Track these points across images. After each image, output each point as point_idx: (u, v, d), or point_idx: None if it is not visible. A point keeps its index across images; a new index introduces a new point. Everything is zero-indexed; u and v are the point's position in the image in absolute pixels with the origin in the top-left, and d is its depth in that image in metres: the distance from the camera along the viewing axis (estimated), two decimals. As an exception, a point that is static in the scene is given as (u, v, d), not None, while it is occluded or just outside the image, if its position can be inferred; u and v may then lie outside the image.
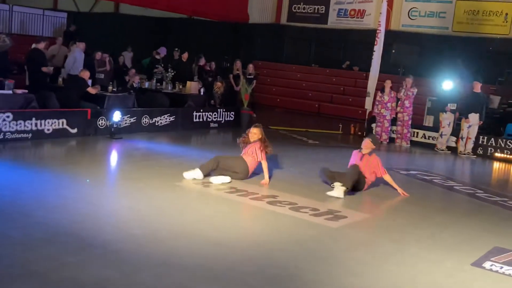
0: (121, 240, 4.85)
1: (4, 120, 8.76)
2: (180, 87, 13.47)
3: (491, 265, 5.10)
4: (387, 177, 7.80)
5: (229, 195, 6.78)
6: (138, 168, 7.89)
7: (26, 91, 10.00)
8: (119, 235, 4.98)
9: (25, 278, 3.93)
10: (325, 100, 19.04)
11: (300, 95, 19.44)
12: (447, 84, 12.82)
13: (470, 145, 12.30)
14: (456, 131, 12.54)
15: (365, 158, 7.69)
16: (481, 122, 12.24)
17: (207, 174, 7.39)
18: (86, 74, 10.78)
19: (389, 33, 15.95)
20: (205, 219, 5.80)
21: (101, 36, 20.22)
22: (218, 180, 7.24)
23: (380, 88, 13.49)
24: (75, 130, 9.84)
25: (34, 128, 9.21)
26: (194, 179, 7.29)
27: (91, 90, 10.69)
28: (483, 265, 5.11)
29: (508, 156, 12.04)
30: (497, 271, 4.98)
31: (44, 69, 11.42)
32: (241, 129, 12.44)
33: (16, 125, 8.94)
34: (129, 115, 10.81)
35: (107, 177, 7.66)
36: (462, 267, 5.03)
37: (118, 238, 4.90)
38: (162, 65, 14.89)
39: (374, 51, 14.12)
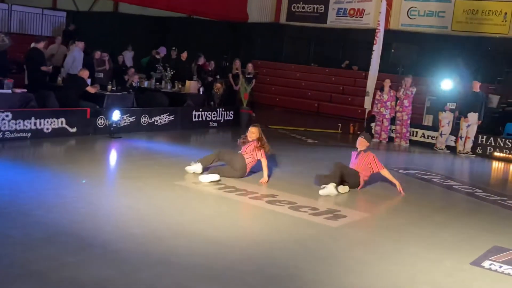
0: (120, 239, 4.85)
1: (3, 119, 8.75)
2: (179, 86, 13.47)
3: (490, 264, 5.11)
4: (384, 172, 7.83)
5: (228, 194, 6.78)
6: (137, 167, 7.88)
7: (25, 90, 9.99)
8: (119, 234, 4.98)
9: (24, 278, 3.93)
10: (325, 99, 19.05)
11: (300, 94, 19.45)
12: (446, 83, 12.83)
13: (469, 145, 12.31)
14: (455, 131, 12.56)
15: (360, 156, 7.79)
16: (480, 121, 12.25)
17: (206, 168, 7.56)
18: (85, 73, 10.77)
19: (388, 33, 15.96)
20: (204, 218, 5.80)
21: (100, 35, 20.20)
22: (206, 178, 7.24)
23: (379, 87, 13.51)
24: (74, 130, 9.84)
25: (33, 127, 9.21)
26: (194, 172, 7.48)
27: (90, 90, 10.69)
28: (483, 264, 5.11)
29: (507, 155, 12.05)
30: (496, 270, 4.99)
31: (43, 68, 11.41)
32: (240, 129, 12.47)
33: (15, 124, 8.93)
34: (128, 115, 10.80)
35: (107, 177, 7.66)
36: (462, 266, 5.03)
37: (117, 237, 4.90)
38: (162, 64, 14.89)
39: (374, 50, 14.14)
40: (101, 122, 10.24)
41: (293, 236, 5.49)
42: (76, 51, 12.50)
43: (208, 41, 20.96)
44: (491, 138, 12.35)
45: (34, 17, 21.20)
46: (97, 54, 13.54)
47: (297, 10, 21.77)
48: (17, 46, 13.27)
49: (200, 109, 12.63)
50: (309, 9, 21.41)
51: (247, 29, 22.16)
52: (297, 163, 9.39)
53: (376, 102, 13.34)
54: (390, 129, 13.30)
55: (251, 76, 14.93)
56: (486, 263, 5.13)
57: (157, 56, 15.81)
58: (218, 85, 13.50)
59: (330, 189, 7.21)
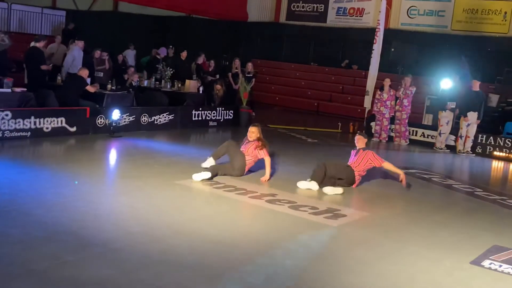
0: (120, 238, 4.85)
1: (3, 118, 8.74)
2: (179, 85, 13.46)
3: (490, 264, 5.11)
4: (386, 165, 7.86)
5: (228, 194, 6.77)
6: (137, 166, 7.88)
7: (25, 89, 9.98)
8: (119, 233, 4.98)
9: (24, 277, 3.93)
10: (324, 98, 19.04)
11: (299, 93, 19.44)
12: (446, 83, 12.83)
13: (469, 144, 12.31)
14: (455, 130, 12.56)
15: (360, 153, 7.82)
16: (479, 121, 12.24)
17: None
18: (85, 73, 10.76)
19: (388, 32, 15.96)
20: (204, 217, 5.80)
21: (100, 35, 20.19)
22: (199, 177, 7.22)
23: (379, 87, 13.50)
24: (74, 129, 9.83)
25: (33, 126, 9.20)
26: (207, 168, 7.55)
27: (90, 89, 10.68)
28: (482, 263, 5.11)
29: (507, 154, 12.05)
30: (496, 270, 4.99)
31: (43, 66, 11.40)
32: (240, 128, 12.47)
33: (15, 123, 8.93)
34: (128, 114, 10.80)
35: (106, 176, 7.65)
36: (461, 266, 5.03)
37: (117, 236, 4.90)
38: (162, 64, 14.87)
39: (373, 49, 14.14)
40: (100, 121, 10.24)
41: (293, 235, 5.49)
42: (76, 50, 12.48)
43: (207, 40, 20.95)
44: (491, 138, 12.35)
45: (34, 16, 21.18)
46: (97, 53, 13.53)
47: (296, 9, 21.77)
48: (17, 45, 13.26)
49: (200, 108, 12.63)
50: (309, 8, 21.41)
51: (247, 28, 22.15)
52: (297, 163, 9.39)
53: (376, 101, 13.34)
54: (389, 128, 13.31)
55: (251, 75, 14.93)
56: (486, 262, 5.13)
57: (158, 56, 15.79)
58: (218, 86, 13.48)
59: (310, 185, 7.35)
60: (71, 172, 7.10)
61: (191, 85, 13.28)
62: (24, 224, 4.98)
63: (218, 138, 12.22)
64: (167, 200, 6.30)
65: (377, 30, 14.19)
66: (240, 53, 19.47)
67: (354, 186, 7.76)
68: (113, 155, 9.12)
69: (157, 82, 13.79)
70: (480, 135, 12.40)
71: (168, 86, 13.43)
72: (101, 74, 13.10)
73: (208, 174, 7.23)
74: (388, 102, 13.11)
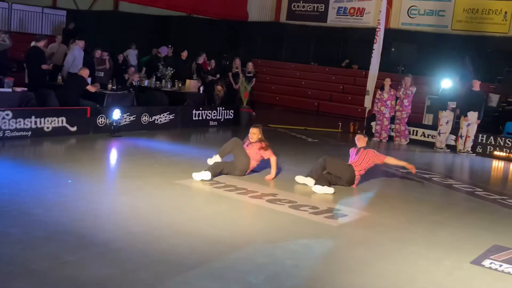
0: (120, 238, 4.85)
1: (3, 118, 8.75)
2: (179, 85, 13.47)
3: (491, 263, 5.11)
4: (389, 160, 7.93)
5: (228, 193, 6.78)
6: (138, 166, 7.88)
7: (26, 89, 9.99)
8: (119, 233, 4.98)
9: (24, 276, 3.93)
10: (325, 98, 19.04)
11: (300, 93, 19.44)
12: (446, 83, 12.83)
13: (469, 144, 12.30)
14: (455, 130, 12.56)
15: (361, 153, 7.84)
16: (479, 121, 12.24)
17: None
18: (85, 72, 10.76)
19: (388, 32, 15.97)
20: (204, 217, 5.80)
21: (101, 34, 20.21)
22: (198, 176, 7.21)
23: (379, 86, 13.50)
24: (74, 128, 9.84)
25: (33, 126, 9.21)
26: (209, 167, 7.46)
27: (91, 88, 10.68)
28: (483, 263, 5.11)
29: (507, 154, 12.05)
30: (496, 269, 4.99)
31: (44, 66, 11.40)
32: (240, 127, 12.47)
33: (16, 123, 8.93)
34: (128, 113, 10.80)
35: (107, 175, 7.66)
36: (462, 265, 5.03)
37: (117, 236, 4.90)
38: (163, 63, 14.89)
39: (374, 49, 14.14)
40: (101, 121, 10.24)
41: (293, 235, 5.49)
42: (77, 50, 12.49)
43: (208, 40, 20.95)
44: (491, 137, 12.35)
45: (34, 15, 21.21)
46: (98, 53, 13.54)
47: (297, 9, 21.76)
48: (17, 45, 13.28)
49: (200, 108, 12.63)
50: (309, 8, 21.41)
51: (247, 28, 22.15)
52: (297, 162, 9.38)
53: (377, 101, 13.34)
54: (390, 128, 13.31)
55: (251, 75, 14.93)
56: (486, 262, 5.13)
57: (159, 55, 15.80)
58: (219, 87, 13.49)
59: (308, 180, 7.42)
60: (71, 172, 7.10)
61: (192, 85, 13.28)
62: (24, 223, 4.98)
63: (219, 138, 12.22)
64: (168, 199, 6.30)
65: (377, 29, 14.19)
66: (240, 53, 19.46)
67: (354, 185, 7.76)
68: (113, 155, 9.13)
69: (158, 82, 13.79)
70: (480, 135, 12.40)
71: (169, 86, 13.44)
72: (102, 74, 13.11)
73: (208, 175, 7.19)
74: (388, 102, 13.11)
